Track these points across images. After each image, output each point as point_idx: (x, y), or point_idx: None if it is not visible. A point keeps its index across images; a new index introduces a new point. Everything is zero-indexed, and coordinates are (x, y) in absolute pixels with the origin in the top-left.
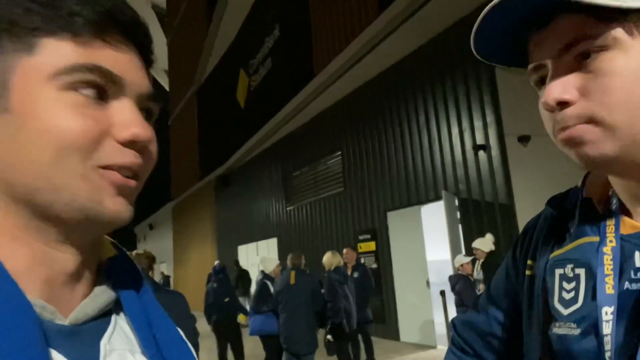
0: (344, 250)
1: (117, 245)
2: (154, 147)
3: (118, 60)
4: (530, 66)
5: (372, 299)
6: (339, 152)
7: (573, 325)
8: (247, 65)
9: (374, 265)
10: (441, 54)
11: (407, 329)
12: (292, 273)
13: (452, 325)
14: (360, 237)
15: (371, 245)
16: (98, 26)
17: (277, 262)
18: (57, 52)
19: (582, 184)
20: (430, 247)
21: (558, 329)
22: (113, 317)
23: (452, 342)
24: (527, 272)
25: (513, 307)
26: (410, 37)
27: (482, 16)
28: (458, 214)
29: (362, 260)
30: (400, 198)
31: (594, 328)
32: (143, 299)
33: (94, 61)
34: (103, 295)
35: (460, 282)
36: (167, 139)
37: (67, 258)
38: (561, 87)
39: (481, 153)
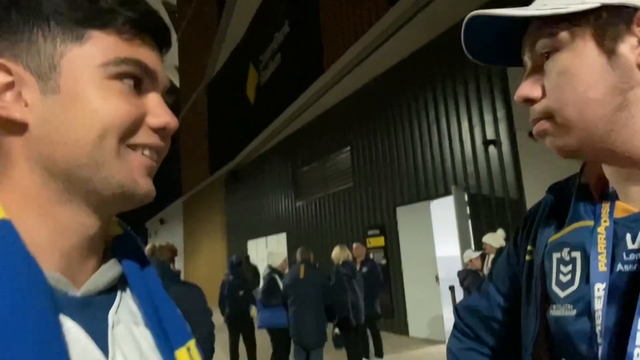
0: (354, 245)
1: (122, 224)
2: (170, 137)
3: (152, 58)
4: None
5: (381, 294)
6: (348, 148)
7: (569, 307)
8: (256, 61)
9: (383, 261)
10: (451, 48)
11: (416, 324)
12: (302, 267)
13: (455, 311)
14: (369, 233)
15: (380, 241)
16: (138, 26)
17: (285, 256)
18: (104, 45)
19: (580, 171)
20: (439, 243)
21: (555, 311)
22: (119, 291)
23: (455, 326)
24: (527, 257)
25: (513, 292)
26: (420, 32)
27: (463, 30)
28: (468, 210)
29: (372, 256)
30: (410, 193)
31: (588, 309)
32: (146, 276)
33: (137, 56)
34: (111, 270)
35: (469, 277)
36: (177, 135)
37: (87, 231)
38: (527, 86)
39: (491, 148)
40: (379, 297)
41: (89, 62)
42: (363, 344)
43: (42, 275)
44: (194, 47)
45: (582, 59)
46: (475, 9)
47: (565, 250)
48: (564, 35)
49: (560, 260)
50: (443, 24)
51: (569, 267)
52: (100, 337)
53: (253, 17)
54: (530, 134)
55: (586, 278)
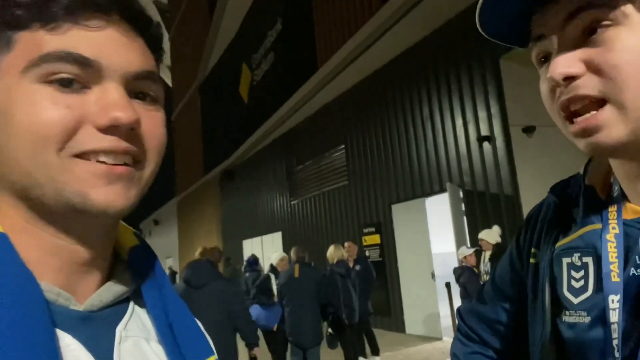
0: (346, 244)
1: (138, 235)
2: (151, 129)
3: (95, 42)
4: (533, 42)
5: (377, 292)
6: (343, 146)
7: (583, 313)
8: (249, 60)
9: (379, 258)
10: (445, 45)
11: (413, 321)
12: (297, 266)
13: (458, 314)
14: (365, 230)
15: (376, 238)
16: (69, 8)
17: (282, 255)
18: (29, 44)
19: (584, 172)
20: (435, 240)
21: (568, 318)
22: (131, 304)
23: (459, 330)
24: (532, 260)
25: (519, 295)
26: (414, 29)
27: (479, 7)
28: (463, 206)
29: (367, 254)
30: (405, 190)
31: (602, 316)
32: (162, 288)
33: (64, 48)
34: (120, 283)
35: (464, 273)
36: (170, 135)
37: (75, 248)
38: (567, 61)
39: (486, 144)
40: (373, 295)
41: (14, 69)
42: (359, 342)
43: (39, 289)
44: (187, 46)
45: None
46: (469, 5)
47: (576, 255)
48: (629, 8)
49: (571, 266)
50: (436, 21)
51: (581, 273)
52: (104, 353)
53: (245, 15)
54: (524, 130)
55: (600, 284)
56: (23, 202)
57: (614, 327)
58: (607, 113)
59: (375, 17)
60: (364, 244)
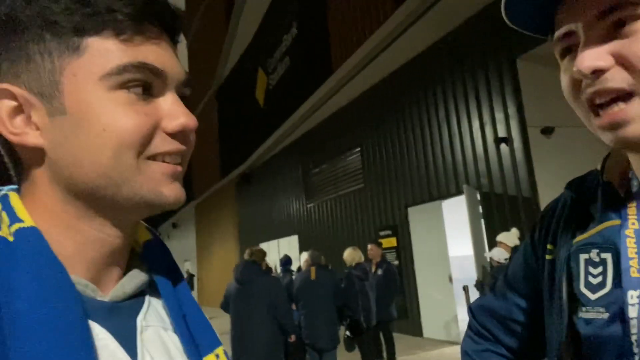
0: (369, 247)
1: (151, 229)
2: (193, 134)
3: (159, 54)
4: (559, 33)
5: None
6: (358, 149)
7: (601, 309)
8: (265, 64)
9: (396, 262)
10: (461, 46)
11: (430, 325)
12: (313, 269)
13: (469, 311)
14: (381, 233)
15: (392, 241)
16: (138, 21)
17: (305, 257)
18: (103, 52)
19: (601, 168)
20: (452, 243)
21: (585, 314)
22: (147, 297)
23: (470, 327)
24: (548, 257)
25: (534, 292)
26: (429, 30)
27: None
28: (480, 209)
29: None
30: (421, 193)
31: (621, 312)
32: (175, 281)
33: (140, 59)
34: (139, 275)
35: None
36: None
37: (113, 241)
38: (595, 54)
39: (503, 146)
40: (394, 299)
41: (89, 75)
42: (375, 346)
43: (70, 281)
44: (204, 52)
45: None
46: (485, 6)
47: (594, 251)
48: None
49: (589, 262)
50: (451, 22)
51: (599, 269)
52: (128, 341)
53: (261, 20)
54: (543, 131)
55: (618, 280)
56: (79, 199)
57: (633, 322)
58: (635, 106)
59: (390, 20)
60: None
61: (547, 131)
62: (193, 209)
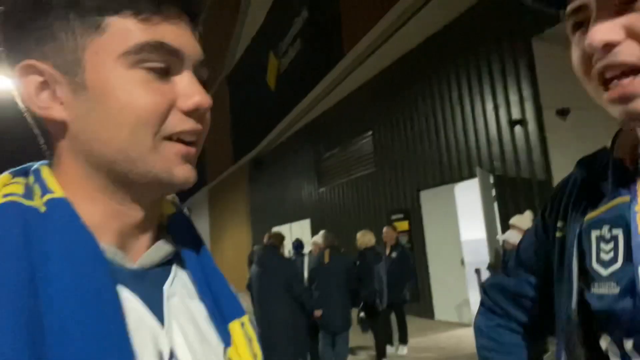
0: (384, 230)
1: (176, 203)
2: (209, 114)
3: (177, 34)
4: (571, 6)
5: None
6: (370, 132)
7: (613, 284)
8: (276, 48)
9: (408, 245)
10: (474, 27)
11: (442, 308)
12: (326, 252)
13: (482, 289)
14: (393, 217)
15: (404, 225)
16: (157, 2)
17: (316, 241)
18: (123, 31)
19: (611, 145)
20: (464, 226)
21: (597, 289)
22: (173, 266)
23: (482, 304)
24: (558, 234)
25: (544, 268)
26: (441, 12)
27: None
28: (493, 192)
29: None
30: (434, 176)
31: (632, 286)
32: (199, 252)
33: (158, 38)
34: (166, 245)
35: None
36: None
37: (135, 214)
38: (607, 28)
39: (517, 128)
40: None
41: (109, 53)
42: (387, 328)
43: (99, 247)
44: (214, 36)
45: None
46: None
47: (606, 227)
48: None
49: (601, 238)
50: (464, 2)
51: (611, 245)
52: (155, 307)
53: (272, 3)
54: (558, 112)
55: (629, 255)
56: (99, 172)
57: None
58: None
59: (401, 1)
60: None
61: (562, 113)
62: (206, 193)
